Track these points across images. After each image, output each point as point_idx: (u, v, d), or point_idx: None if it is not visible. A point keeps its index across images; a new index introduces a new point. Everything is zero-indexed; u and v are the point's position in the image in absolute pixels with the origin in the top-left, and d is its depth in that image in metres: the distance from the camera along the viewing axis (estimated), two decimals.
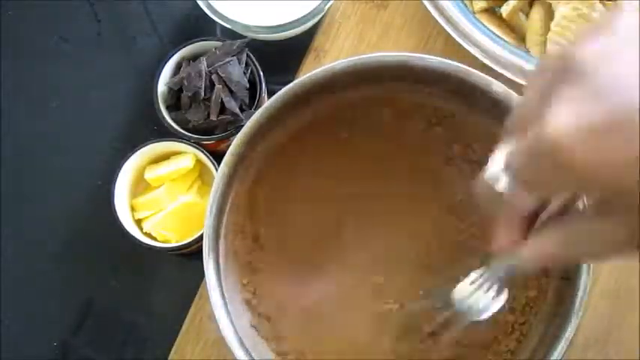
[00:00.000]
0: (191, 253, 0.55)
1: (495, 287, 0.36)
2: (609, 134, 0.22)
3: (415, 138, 0.51)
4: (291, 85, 0.46)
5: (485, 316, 0.37)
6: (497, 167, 0.28)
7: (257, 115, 0.46)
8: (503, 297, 0.36)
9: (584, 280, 0.43)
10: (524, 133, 0.25)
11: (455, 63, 0.45)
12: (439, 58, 0.45)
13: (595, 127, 0.22)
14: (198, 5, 0.55)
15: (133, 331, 0.59)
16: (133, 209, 0.58)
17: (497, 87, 0.44)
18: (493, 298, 0.36)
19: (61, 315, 0.60)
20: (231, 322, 0.45)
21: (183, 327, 0.57)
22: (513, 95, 0.44)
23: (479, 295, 0.36)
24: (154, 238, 0.57)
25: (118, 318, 0.59)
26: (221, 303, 0.45)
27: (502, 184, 0.28)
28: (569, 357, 0.53)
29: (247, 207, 0.50)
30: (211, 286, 0.44)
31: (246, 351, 0.44)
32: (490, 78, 0.45)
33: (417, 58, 0.46)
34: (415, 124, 0.50)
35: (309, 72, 0.46)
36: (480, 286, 0.36)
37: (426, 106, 0.49)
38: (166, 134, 0.57)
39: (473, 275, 0.36)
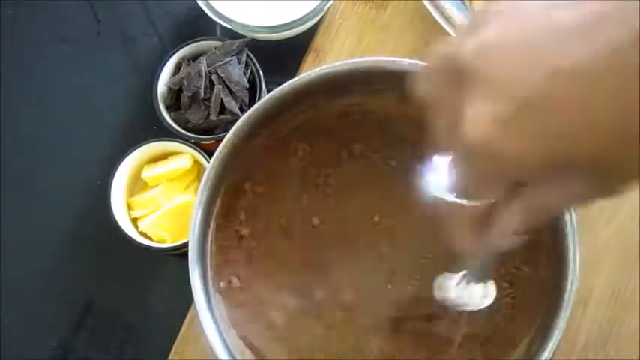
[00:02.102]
0: (186, 253, 0.55)
1: (479, 280, 0.36)
2: (521, 119, 0.22)
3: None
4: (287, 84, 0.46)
5: (481, 305, 0.37)
6: (439, 182, 0.29)
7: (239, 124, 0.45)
8: (491, 287, 0.37)
9: (571, 270, 0.42)
10: (449, 142, 0.26)
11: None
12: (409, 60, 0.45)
13: (507, 118, 0.23)
14: (198, 5, 0.55)
15: (133, 331, 0.59)
16: (129, 208, 0.58)
17: None
18: (482, 289, 0.37)
19: (61, 315, 0.60)
20: (219, 332, 0.45)
21: (183, 327, 0.57)
22: None
23: (467, 289, 0.36)
24: (150, 238, 0.57)
25: (118, 318, 0.59)
26: (209, 316, 0.44)
27: (449, 196, 0.29)
28: (569, 357, 0.53)
29: (233, 212, 0.50)
30: (198, 297, 0.44)
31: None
32: None
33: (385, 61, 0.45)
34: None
35: (307, 71, 0.46)
36: (467, 282, 0.36)
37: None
38: (166, 134, 0.57)
39: (455, 277, 0.37)
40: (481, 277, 0.36)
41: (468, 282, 0.36)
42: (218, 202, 0.47)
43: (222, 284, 0.48)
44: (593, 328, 0.54)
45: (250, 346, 0.48)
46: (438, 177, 0.29)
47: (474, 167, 0.25)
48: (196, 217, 0.45)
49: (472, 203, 0.29)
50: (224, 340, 0.44)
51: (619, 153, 0.22)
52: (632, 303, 0.54)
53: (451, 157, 0.28)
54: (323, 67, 0.46)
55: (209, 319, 0.44)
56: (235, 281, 0.49)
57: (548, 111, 0.22)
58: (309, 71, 0.46)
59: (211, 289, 0.46)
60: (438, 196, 0.30)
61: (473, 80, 0.23)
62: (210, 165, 0.45)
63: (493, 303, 0.38)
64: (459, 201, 0.29)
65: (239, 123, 0.45)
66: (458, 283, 0.37)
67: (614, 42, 0.20)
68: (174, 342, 0.57)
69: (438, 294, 0.38)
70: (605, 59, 0.21)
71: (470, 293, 0.36)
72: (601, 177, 0.25)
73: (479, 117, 0.23)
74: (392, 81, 0.45)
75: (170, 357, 0.57)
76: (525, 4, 0.23)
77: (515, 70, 0.22)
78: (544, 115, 0.22)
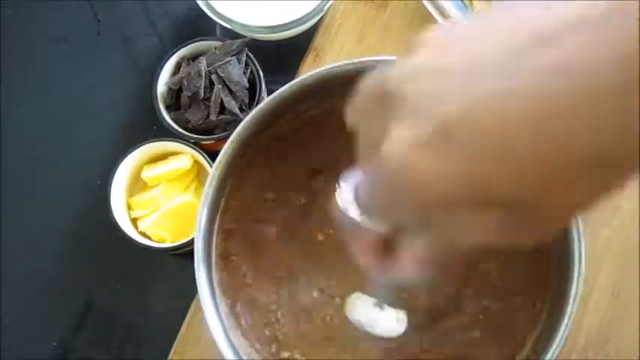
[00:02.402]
0: (186, 253, 0.55)
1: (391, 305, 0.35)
2: (441, 145, 0.21)
3: None
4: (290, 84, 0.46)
5: (393, 332, 0.36)
6: (347, 195, 0.28)
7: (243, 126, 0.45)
8: (403, 314, 0.36)
9: (576, 275, 0.42)
10: (368, 162, 0.25)
11: None
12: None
13: (425, 141, 0.22)
14: (198, 5, 0.55)
15: (133, 331, 0.59)
16: (129, 208, 0.58)
17: None
18: (395, 315, 0.36)
19: (61, 315, 0.60)
20: (224, 331, 0.45)
21: (183, 327, 0.57)
22: None
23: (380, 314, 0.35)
24: (149, 238, 0.57)
25: (118, 318, 0.59)
26: (215, 314, 0.45)
27: (353, 212, 0.28)
28: (570, 357, 0.53)
29: (237, 212, 0.50)
30: (204, 297, 0.44)
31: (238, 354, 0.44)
32: None
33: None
34: None
35: (309, 71, 0.46)
36: (379, 306, 0.35)
37: None
38: (166, 134, 0.57)
39: (367, 299, 0.36)
40: (392, 302, 0.35)
41: (380, 306, 0.35)
42: (222, 202, 0.48)
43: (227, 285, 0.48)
44: (593, 328, 0.54)
45: (253, 345, 0.48)
46: (346, 193, 0.29)
47: (385, 188, 0.24)
48: (201, 217, 0.45)
49: (375, 226, 0.28)
50: (230, 340, 0.45)
51: (535, 183, 0.21)
52: (632, 303, 0.54)
53: (362, 172, 0.27)
54: (327, 66, 0.46)
55: (215, 319, 0.44)
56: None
57: (465, 136, 0.21)
58: (312, 71, 0.46)
59: (216, 289, 0.46)
60: (344, 212, 0.29)
61: (398, 105, 0.23)
62: (215, 165, 0.45)
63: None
64: (361, 221, 0.28)
65: (245, 121, 0.45)
66: (372, 305, 0.35)
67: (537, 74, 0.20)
68: (174, 342, 0.57)
69: (350, 315, 0.36)
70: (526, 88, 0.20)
71: (382, 318, 0.35)
72: (520, 212, 0.23)
73: (398, 139, 0.22)
74: None
75: (170, 357, 0.57)
76: (460, 29, 0.23)
77: (435, 93, 0.22)
78: (461, 140, 0.21)
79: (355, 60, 0.46)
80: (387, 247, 0.28)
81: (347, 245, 0.30)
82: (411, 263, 0.27)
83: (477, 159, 0.21)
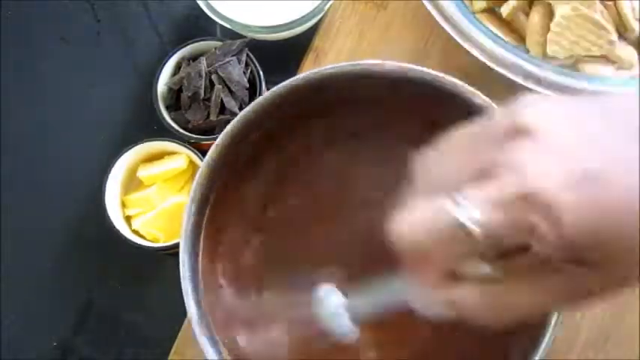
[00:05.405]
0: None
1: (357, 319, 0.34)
2: (587, 190, 0.22)
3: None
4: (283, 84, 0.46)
5: (342, 338, 0.34)
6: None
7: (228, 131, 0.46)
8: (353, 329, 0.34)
9: None
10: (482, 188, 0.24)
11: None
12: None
13: (575, 180, 0.22)
14: (198, 5, 0.56)
15: (133, 331, 0.59)
16: (123, 205, 0.58)
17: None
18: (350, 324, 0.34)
19: (61, 315, 0.60)
20: (213, 341, 0.45)
21: (183, 327, 0.57)
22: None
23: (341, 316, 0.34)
24: (143, 237, 0.56)
25: (118, 318, 0.59)
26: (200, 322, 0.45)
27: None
28: (570, 357, 0.53)
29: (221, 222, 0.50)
30: (191, 309, 0.44)
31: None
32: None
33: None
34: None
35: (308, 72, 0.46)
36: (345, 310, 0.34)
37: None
38: (166, 134, 0.57)
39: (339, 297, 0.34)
40: (361, 318, 0.34)
41: (347, 311, 0.34)
42: (207, 210, 0.48)
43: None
44: (593, 328, 0.54)
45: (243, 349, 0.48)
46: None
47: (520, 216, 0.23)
48: (187, 224, 0.45)
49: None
50: (215, 343, 0.45)
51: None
52: (632, 303, 0.54)
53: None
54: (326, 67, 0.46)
55: (199, 328, 0.44)
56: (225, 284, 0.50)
57: (603, 187, 0.22)
58: (301, 75, 0.46)
59: (202, 297, 0.46)
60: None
61: (531, 137, 0.23)
62: (199, 171, 0.46)
63: None
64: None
65: (230, 126, 0.46)
66: (337, 306, 0.34)
67: None
68: (174, 342, 0.57)
69: (314, 302, 0.35)
70: None
71: (341, 321, 0.34)
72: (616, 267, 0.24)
73: (544, 174, 0.23)
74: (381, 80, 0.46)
75: (170, 357, 0.57)
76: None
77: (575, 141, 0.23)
78: (601, 189, 0.22)
79: (347, 63, 0.46)
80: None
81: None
82: (458, 304, 0.27)
83: (610, 209, 0.22)
